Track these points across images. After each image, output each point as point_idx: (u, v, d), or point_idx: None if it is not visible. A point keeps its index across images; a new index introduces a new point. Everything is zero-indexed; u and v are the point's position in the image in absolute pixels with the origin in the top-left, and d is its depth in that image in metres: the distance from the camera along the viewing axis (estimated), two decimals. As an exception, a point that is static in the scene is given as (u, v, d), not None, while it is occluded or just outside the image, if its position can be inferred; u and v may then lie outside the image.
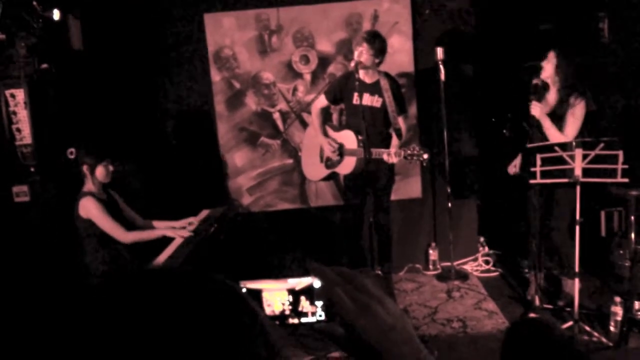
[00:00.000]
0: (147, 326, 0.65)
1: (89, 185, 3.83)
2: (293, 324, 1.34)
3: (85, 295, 0.72)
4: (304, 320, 1.35)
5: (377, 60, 4.38)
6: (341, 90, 4.54)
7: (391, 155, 4.15)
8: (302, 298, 1.33)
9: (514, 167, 4.48)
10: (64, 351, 0.67)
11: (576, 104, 3.95)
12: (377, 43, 4.34)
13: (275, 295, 1.36)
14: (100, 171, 3.81)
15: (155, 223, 4.20)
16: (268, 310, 1.36)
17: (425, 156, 4.03)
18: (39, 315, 3.46)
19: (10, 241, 4.07)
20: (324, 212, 5.34)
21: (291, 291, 1.35)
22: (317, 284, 1.31)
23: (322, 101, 4.64)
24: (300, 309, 1.36)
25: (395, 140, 4.40)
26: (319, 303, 1.33)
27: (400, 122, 4.39)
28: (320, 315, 1.32)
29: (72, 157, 4.17)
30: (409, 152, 4.08)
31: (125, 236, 3.82)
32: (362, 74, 4.38)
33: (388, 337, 0.80)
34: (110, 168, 3.86)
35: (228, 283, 0.76)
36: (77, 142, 4.16)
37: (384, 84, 4.38)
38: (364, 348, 0.80)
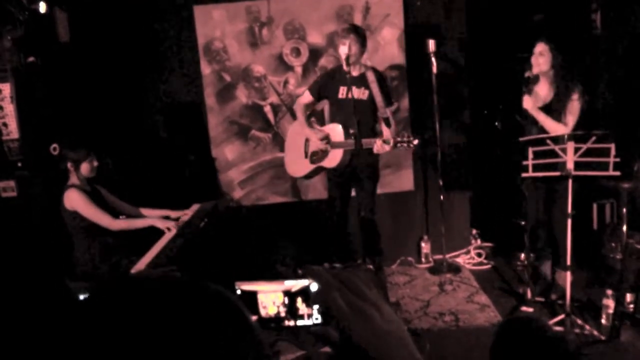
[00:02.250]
0: (141, 337, 0.64)
1: (73, 179, 3.82)
2: (289, 327, 1.32)
3: (76, 305, 0.70)
4: (300, 322, 1.32)
5: (363, 50, 4.37)
6: (325, 86, 4.51)
7: (381, 143, 4.13)
8: (299, 300, 1.31)
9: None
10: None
11: (573, 95, 3.94)
12: (361, 34, 4.32)
13: (270, 297, 1.33)
14: (85, 167, 3.80)
15: (146, 211, 4.18)
16: (263, 313, 1.33)
17: (416, 142, 4.04)
18: (27, 315, 3.43)
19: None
20: (315, 206, 5.31)
21: (287, 293, 1.32)
22: (313, 286, 1.29)
23: (306, 97, 4.59)
24: (296, 311, 1.33)
25: (385, 131, 4.37)
26: (316, 306, 1.30)
27: (388, 112, 4.37)
28: (317, 318, 1.30)
29: (55, 153, 4.12)
30: (398, 138, 4.07)
31: (112, 223, 3.82)
32: (347, 67, 4.36)
33: (383, 342, 0.81)
34: (95, 163, 3.85)
35: (224, 293, 0.74)
36: (60, 138, 4.11)
37: (370, 75, 4.36)
38: (359, 353, 0.80)
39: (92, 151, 3.85)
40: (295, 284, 1.30)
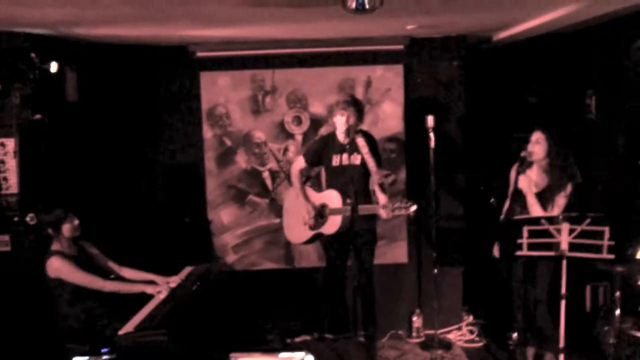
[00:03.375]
0: None
1: (56, 245, 3.77)
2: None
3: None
4: (294, 397, 1.31)
5: (360, 123, 4.51)
6: (320, 153, 4.60)
7: (385, 210, 4.18)
8: (294, 375, 1.30)
9: (498, 251, 4.45)
10: None
11: (564, 191, 4.00)
12: (360, 107, 4.48)
13: (266, 371, 1.33)
14: (66, 228, 3.77)
15: (129, 272, 4.11)
16: (258, 385, 1.33)
17: (413, 208, 4.08)
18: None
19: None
20: (308, 273, 5.29)
21: (282, 367, 1.32)
22: (309, 359, 1.28)
23: (300, 163, 4.67)
24: (290, 385, 1.32)
25: (381, 196, 4.40)
26: (310, 381, 1.30)
27: (380, 175, 4.42)
28: (311, 394, 1.29)
29: (32, 222, 4.09)
30: (396, 204, 4.12)
31: (104, 285, 3.77)
32: (342, 137, 4.46)
33: None
34: (76, 222, 3.81)
35: None
36: (34, 206, 4.08)
37: (360, 140, 4.44)
38: None
39: (70, 210, 3.81)
40: (291, 357, 1.30)
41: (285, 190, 5.18)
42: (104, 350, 2.99)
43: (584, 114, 5.05)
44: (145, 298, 3.85)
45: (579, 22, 4.53)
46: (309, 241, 4.73)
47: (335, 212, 4.44)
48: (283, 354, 1.30)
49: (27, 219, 4.09)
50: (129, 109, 5.09)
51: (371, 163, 4.38)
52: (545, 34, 4.93)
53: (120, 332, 3.36)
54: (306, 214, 4.57)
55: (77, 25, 4.02)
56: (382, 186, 4.35)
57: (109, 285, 3.81)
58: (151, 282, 4.01)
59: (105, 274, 3.98)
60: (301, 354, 1.28)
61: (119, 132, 5.04)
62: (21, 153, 4.15)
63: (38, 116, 4.20)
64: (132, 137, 5.14)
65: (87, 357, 2.94)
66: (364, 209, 4.30)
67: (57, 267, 3.70)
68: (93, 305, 3.78)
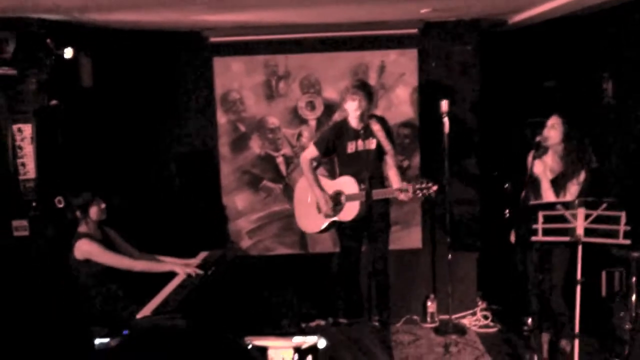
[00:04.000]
0: None
1: (83, 227, 3.84)
2: (297, 383, 1.33)
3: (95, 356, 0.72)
4: (308, 380, 1.33)
5: (371, 107, 4.49)
6: (334, 142, 4.56)
7: (403, 192, 4.18)
8: (309, 358, 1.32)
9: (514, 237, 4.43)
10: None
11: (579, 177, 3.96)
12: (370, 90, 4.45)
13: (280, 353, 1.34)
14: (93, 211, 3.83)
15: (148, 258, 4.17)
16: (272, 368, 1.34)
17: (435, 188, 4.09)
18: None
19: (7, 275, 4.05)
20: (323, 259, 5.31)
21: (297, 349, 1.33)
22: (322, 343, 1.30)
23: (312, 152, 4.61)
24: (305, 368, 1.34)
25: (397, 179, 4.40)
26: (324, 363, 1.31)
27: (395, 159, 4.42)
28: (325, 377, 1.31)
29: (61, 205, 4.15)
30: (417, 185, 4.12)
31: (133, 264, 3.84)
32: (355, 123, 4.43)
33: None
34: (102, 205, 3.88)
35: (238, 342, 0.76)
36: (63, 187, 4.13)
37: (374, 124, 4.43)
38: None
39: (97, 193, 3.88)
40: (304, 341, 1.31)
41: (299, 176, 5.17)
42: (124, 332, 3.04)
43: (601, 99, 5.00)
44: (162, 280, 3.90)
45: (596, 4, 4.45)
46: (325, 230, 4.71)
47: (351, 198, 4.44)
48: (297, 338, 1.31)
49: (56, 201, 4.14)
50: (142, 95, 5.10)
51: (388, 146, 4.37)
52: (561, 16, 4.86)
53: (138, 316, 3.41)
54: (323, 203, 4.55)
55: (92, 11, 4.03)
56: (400, 169, 4.35)
57: (138, 265, 3.87)
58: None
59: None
60: (314, 337, 1.29)
61: (133, 118, 5.06)
62: (38, 139, 4.19)
63: (54, 102, 4.24)
64: (147, 123, 5.16)
65: (108, 339, 2.99)
66: (378, 193, 4.30)
67: (87, 250, 3.76)
68: (114, 288, 3.83)
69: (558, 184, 4.02)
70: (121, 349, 0.80)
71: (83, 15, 4.16)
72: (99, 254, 3.76)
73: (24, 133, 4.17)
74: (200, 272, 3.94)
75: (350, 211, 4.46)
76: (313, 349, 1.33)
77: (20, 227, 4.21)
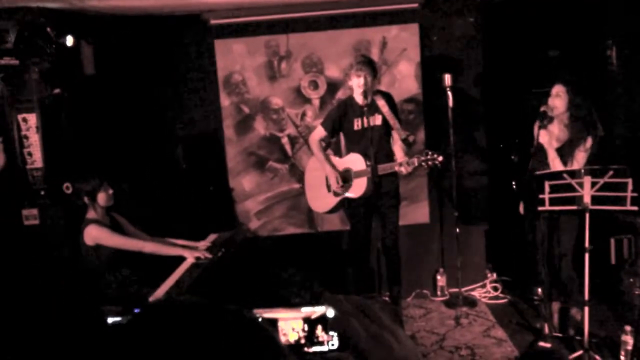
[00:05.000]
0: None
1: (91, 213, 3.86)
2: (308, 353, 1.34)
3: (108, 332, 0.73)
4: (317, 349, 1.34)
5: (375, 82, 4.46)
6: (340, 120, 4.55)
7: (403, 165, 4.17)
8: (318, 327, 1.33)
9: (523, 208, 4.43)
10: None
11: (585, 144, 3.95)
12: (374, 66, 4.41)
13: (290, 324, 1.35)
14: (101, 197, 3.85)
15: (158, 241, 4.21)
16: (283, 339, 1.36)
17: (440, 159, 4.08)
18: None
19: (18, 263, 4.08)
20: (331, 237, 5.34)
21: (307, 320, 1.34)
22: (330, 313, 1.31)
23: (319, 132, 4.61)
24: (315, 338, 1.35)
25: (399, 153, 4.40)
26: (333, 332, 1.32)
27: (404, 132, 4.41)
28: (333, 345, 1.32)
29: (69, 191, 4.18)
30: (422, 158, 4.11)
31: (143, 245, 3.86)
32: (360, 99, 4.41)
33: None
34: (110, 191, 3.89)
35: (245, 314, 0.77)
36: (70, 173, 4.16)
37: (379, 100, 4.41)
38: None
39: (105, 179, 3.90)
40: (313, 311, 1.33)
41: (305, 156, 5.18)
42: (136, 310, 3.06)
43: (606, 66, 4.96)
44: (172, 263, 3.92)
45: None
46: (334, 209, 4.72)
47: (359, 174, 4.45)
48: (305, 308, 1.33)
49: (64, 187, 4.17)
50: (145, 80, 5.10)
51: (393, 120, 4.36)
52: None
53: (151, 298, 3.45)
54: (334, 180, 4.55)
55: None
56: (406, 142, 4.32)
57: (148, 246, 3.89)
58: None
59: None
60: (322, 307, 1.30)
61: (137, 104, 5.07)
62: (43, 128, 4.21)
63: (57, 90, 4.25)
64: (150, 109, 5.17)
65: (120, 318, 3.02)
66: (385, 167, 4.30)
67: (96, 235, 3.79)
68: (128, 272, 3.87)
69: (565, 152, 4.01)
70: (132, 324, 0.82)
71: (83, 2, 4.15)
72: (107, 237, 3.79)
73: (29, 123, 4.20)
74: (208, 255, 3.97)
75: (358, 188, 4.47)
76: (322, 318, 1.34)
77: (30, 215, 4.25)
